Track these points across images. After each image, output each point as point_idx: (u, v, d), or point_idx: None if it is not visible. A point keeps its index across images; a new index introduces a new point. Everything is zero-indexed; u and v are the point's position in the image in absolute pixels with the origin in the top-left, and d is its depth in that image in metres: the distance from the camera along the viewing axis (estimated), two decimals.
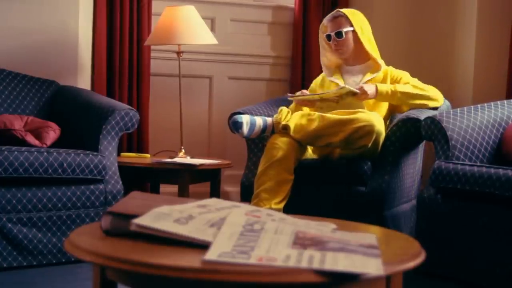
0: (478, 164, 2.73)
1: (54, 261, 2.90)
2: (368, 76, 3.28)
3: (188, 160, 3.56)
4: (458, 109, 3.02)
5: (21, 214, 2.82)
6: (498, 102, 3.17)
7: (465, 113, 2.98)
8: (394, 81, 3.26)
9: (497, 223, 2.59)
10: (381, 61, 3.31)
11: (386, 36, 4.41)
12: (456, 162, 2.77)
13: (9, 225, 2.79)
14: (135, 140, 3.94)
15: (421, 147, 3.35)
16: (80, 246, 1.37)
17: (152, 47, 4.02)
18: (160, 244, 1.37)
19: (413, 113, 3.07)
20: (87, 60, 3.84)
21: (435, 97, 3.19)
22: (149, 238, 1.40)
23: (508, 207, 2.55)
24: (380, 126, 2.95)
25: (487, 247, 2.64)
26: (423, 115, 3.03)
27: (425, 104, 3.17)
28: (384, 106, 3.23)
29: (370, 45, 3.31)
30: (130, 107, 3.17)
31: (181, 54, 3.81)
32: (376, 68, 3.31)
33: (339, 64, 3.43)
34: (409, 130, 3.03)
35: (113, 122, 3.09)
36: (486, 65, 3.95)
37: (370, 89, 3.10)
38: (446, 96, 3.81)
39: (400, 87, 3.14)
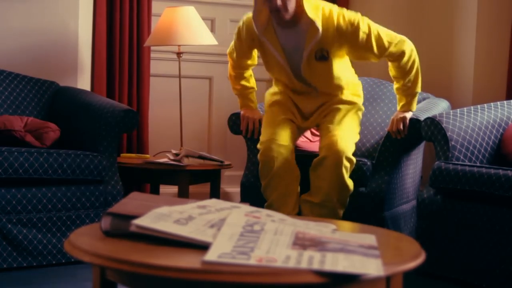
0: (478, 164, 2.73)
1: (54, 262, 2.90)
2: (310, 42, 2.85)
3: (188, 161, 3.55)
4: (458, 109, 3.02)
5: (21, 215, 2.82)
6: (498, 102, 3.17)
7: (465, 113, 2.98)
8: (350, 41, 2.87)
9: (497, 223, 2.59)
10: (312, 13, 2.80)
11: None
12: (456, 162, 2.77)
13: (9, 226, 2.78)
14: (135, 141, 3.94)
15: (421, 147, 3.35)
16: (80, 247, 1.37)
17: (152, 48, 4.02)
18: (159, 245, 1.37)
19: (413, 114, 3.06)
20: (87, 61, 3.84)
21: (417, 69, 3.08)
22: (149, 239, 1.40)
23: (508, 207, 2.55)
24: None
25: (487, 247, 2.63)
26: (423, 115, 3.03)
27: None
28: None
29: None
30: (130, 108, 3.16)
31: (181, 54, 3.81)
32: (313, 29, 2.82)
33: (268, 19, 2.94)
34: (409, 131, 3.02)
35: (113, 123, 3.09)
36: (486, 65, 3.95)
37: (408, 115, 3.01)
38: (446, 96, 3.81)
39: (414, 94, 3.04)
